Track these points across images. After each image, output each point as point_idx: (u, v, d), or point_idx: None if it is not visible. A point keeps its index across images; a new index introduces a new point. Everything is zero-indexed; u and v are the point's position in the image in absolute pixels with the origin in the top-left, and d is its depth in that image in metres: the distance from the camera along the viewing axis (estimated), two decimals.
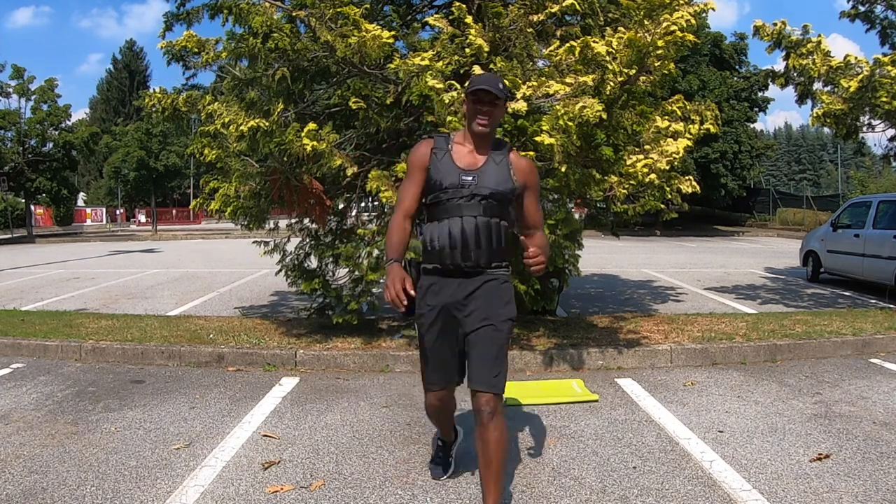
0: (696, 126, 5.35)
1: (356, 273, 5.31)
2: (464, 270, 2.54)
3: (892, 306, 7.65)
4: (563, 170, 4.43)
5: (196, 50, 5.43)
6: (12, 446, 3.45)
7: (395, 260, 2.50)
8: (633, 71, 4.37)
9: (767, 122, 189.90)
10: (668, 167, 4.72)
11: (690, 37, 4.15)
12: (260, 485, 2.98)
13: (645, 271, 11.94)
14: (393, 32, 4.80)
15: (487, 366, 2.51)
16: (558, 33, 5.11)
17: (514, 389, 4.37)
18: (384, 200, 4.64)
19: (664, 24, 4.12)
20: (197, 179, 37.26)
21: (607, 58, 4.27)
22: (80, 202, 42.26)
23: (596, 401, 4.21)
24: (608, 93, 4.34)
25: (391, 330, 5.93)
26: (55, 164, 26.56)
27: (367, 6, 5.55)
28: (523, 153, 2.87)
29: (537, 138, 4.27)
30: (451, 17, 4.72)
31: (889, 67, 6.16)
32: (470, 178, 2.54)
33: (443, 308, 2.57)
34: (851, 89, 6.34)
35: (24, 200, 29.01)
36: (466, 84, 2.83)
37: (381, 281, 5.34)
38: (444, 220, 2.54)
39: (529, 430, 3.68)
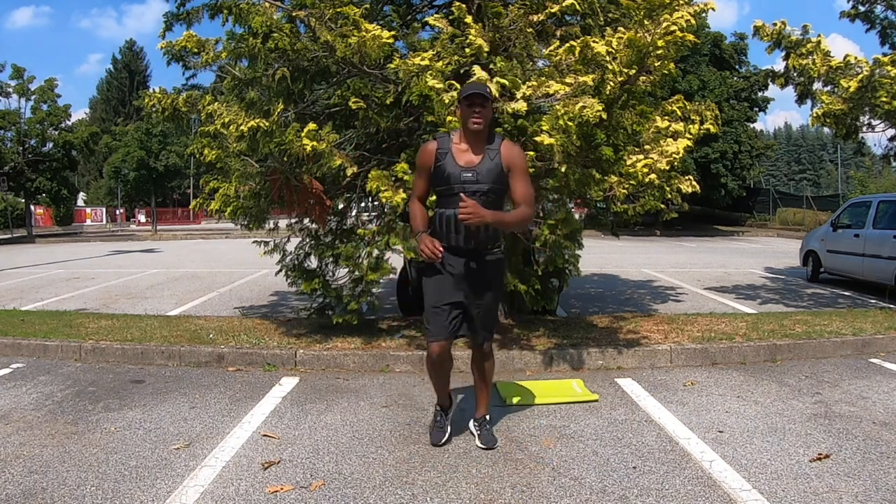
0: (696, 126, 5.35)
1: (356, 273, 5.31)
2: (466, 250, 3.12)
3: (892, 306, 7.65)
4: (563, 170, 4.43)
5: (196, 50, 5.43)
6: (12, 446, 3.45)
7: (422, 231, 3.11)
8: (633, 71, 4.36)
9: (767, 122, 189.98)
10: (668, 167, 4.72)
11: (690, 37, 4.14)
12: (260, 485, 2.98)
13: (645, 271, 11.94)
14: (393, 32, 4.80)
15: (489, 325, 3.34)
16: (558, 33, 5.10)
17: (514, 389, 4.37)
18: (384, 200, 4.64)
19: (664, 24, 4.12)
20: (197, 179, 37.25)
21: (607, 58, 4.27)
22: (80, 202, 42.26)
23: (596, 401, 4.21)
24: (608, 93, 4.34)
25: (391, 330, 5.93)
26: (55, 164, 26.54)
27: (367, 6, 5.54)
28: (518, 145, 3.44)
29: (537, 138, 4.27)
30: (451, 17, 4.72)
31: (889, 67, 6.15)
32: (470, 175, 3.07)
33: (454, 276, 3.12)
34: (851, 89, 6.33)
35: (24, 200, 29.00)
36: (457, 93, 3.71)
37: (381, 281, 5.35)
38: (451, 209, 3.07)
39: (529, 430, 3.67)
